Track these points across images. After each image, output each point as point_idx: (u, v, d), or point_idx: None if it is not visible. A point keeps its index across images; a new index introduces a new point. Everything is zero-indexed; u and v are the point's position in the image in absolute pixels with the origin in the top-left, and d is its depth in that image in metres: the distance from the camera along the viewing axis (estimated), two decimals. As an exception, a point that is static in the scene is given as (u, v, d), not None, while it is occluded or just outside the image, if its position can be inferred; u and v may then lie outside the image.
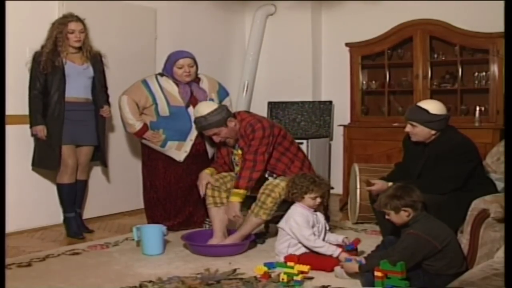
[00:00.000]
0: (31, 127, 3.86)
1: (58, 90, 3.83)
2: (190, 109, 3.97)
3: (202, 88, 4.05)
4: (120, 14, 4.70)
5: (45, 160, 3.94)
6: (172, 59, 3.99)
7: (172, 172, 4.07)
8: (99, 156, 4.20)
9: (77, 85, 3.91)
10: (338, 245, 3.25)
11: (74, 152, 3.98)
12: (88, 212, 4.46)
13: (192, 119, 3.93)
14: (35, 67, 3.82)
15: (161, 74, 4.06)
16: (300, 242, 3.26)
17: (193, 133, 4.00)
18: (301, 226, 3.24)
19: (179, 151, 4.02)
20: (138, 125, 3.95)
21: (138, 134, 3.99)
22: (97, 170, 4.58)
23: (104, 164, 4.35)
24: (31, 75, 3.85)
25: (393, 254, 2.72)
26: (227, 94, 4.23)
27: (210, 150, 4.11)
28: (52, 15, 4.22)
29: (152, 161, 4.10)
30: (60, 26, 3.86)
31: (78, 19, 3.90)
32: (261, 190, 3.51)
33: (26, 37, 4.08)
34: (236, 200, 3.50)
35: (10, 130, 3.83)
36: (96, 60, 4.04)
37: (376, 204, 2.99)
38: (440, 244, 2.70)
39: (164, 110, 3.97)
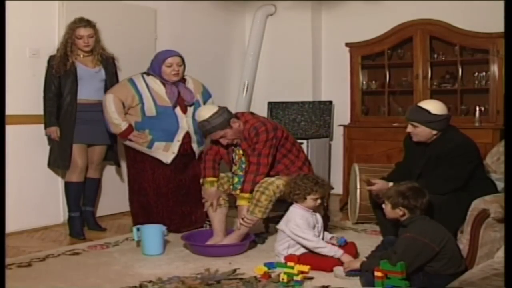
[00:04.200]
0: (45, 128, 3.97)
1: (70, 93, 3.92)
2: (177, 109, 3.95)
3: (188, 88, 4.04)
4: (120, 14, 4.70)
5: (57, 160, 4.03)
6: (160, 58, 3.95)
7: (160, 174, 4.01)
8: (112, 155, 4.24)
9: (89, 87, 3.99)
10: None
11: (85, 152, 4.04)
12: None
13: (179, 120, 3.94)
14: (49, 71, 3.92)
15: (147, 73, 4.01)
16: (299, 243, 3.25)
17: (180, 134, 3.97)
18: (302, 228, 3.23)
19: (166, 152, 3.97)
20: (123, 125, 3.90)
21: (123, 134, 3.94)
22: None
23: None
24: (46, 78, 3.94)
25: (393, 258, 2.71)
26: (209, 95, 4.21)
27: (197, 150, 4.11)
28: (52, 15, 4.25)
29: (139, 164, 4.04)
30: (70, 31, 3.94)
31: (88, 25, 3.94)
32: (255, 188, 3.50)
33: (26, 37, 4.09)
34: (243, 203, 3.49)
35: (10, 130, 3.82)
36: (109, 63, 4.11)
37: (384, 192, 3.03)
38: (437, 246, 2.69)
39: (151, 110, 3.92)
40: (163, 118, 3.94)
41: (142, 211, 4.08)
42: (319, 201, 3.33)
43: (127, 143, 4.01)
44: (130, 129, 3.92)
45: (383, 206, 2.97)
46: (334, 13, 5.72)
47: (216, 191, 3.67)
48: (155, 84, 3.96)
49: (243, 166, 3.62)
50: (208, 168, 3.70)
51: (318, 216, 3.40)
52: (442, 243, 2.71)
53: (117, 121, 3.89)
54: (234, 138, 3.61)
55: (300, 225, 3.24)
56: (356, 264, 2.91)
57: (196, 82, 4.17)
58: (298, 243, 3.25)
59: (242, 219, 3.49)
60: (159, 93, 3.95)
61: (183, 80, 4.05)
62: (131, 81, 3.97)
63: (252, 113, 3.79)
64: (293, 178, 3.40)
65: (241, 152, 3.66)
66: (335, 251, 3.16)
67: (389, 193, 2.93)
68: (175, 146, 3.98)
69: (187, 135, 3.99)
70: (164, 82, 3.96)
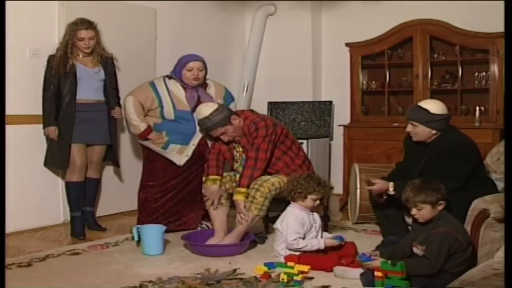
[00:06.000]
0: (44, 127, 3.96)
1: (70, 93, 3.92)
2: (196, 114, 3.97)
3: (208, 94, 4.04)
4: (120, 14, 4.70)
5: (55, 160, 4.03)
6: (182, 62, 3.96)
7: (172, 173, 4.03)
8: (111, 156, 4.24)
9: (88, 87, 4.00)
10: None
11: (84, 152, 4.04)
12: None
13: (197, 124, 3.93)
14: (49, 70, 3.92)
15: (169, 77, 4.03)
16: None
17: (196, 138, 3.99)
18: (290, 229, 3.23)
19: (180, 155, 3.99)
20: (142, 126, 3.93)
21: (142, 135, 3.96)
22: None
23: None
24: (45, 78, 3.93)
25: (427, 253, 2.66)
26: (232, 99, 4.23)
27: None
28: (52, 15, 4.25)
29: (151, 162, 4.07)
30: (70, 33, 3.93)
31: (89, 27, 3.94)
32: (251, 186, 3.51)
33: (26, 37, 4.09)
34: (239, 198, 3.52)
35: (10, 130, 3.83)
36: (108, 63, 4.11)
37: (410, 200, 2.79)
38: (465, 242, 2.69)
39: (170, 113, 3.94)
40: (181, 122, 3.96)
41: (146, 208, 4.06)
42: (318, 202, 3.33)
43: (144, 142, 4.03)
44: (148, 130, 3.95)
45: (414, 213, 2.77)
46: (334, 13, 5.72)
47: (218, 189, 3.67)
48: (176, 88, 3.97)
49: None
50: (211, 166, 3.71)
51: (316, 216, 3.40)
52: (468, 241, 2.72)
53: (136, 122, 3.92)
54: (235, 135, 3.64)
55: (290, 225, 3.25)
56: (377, 263, 2.76)
57: (218, 87, 4.16)
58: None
59: (239, 213, 3.51)
60: (179, 97, 3.96)
61: (204, 85, 4.05)
62: (152, 84, 3.99)
63: (252, 111, 3.82)
64: (296, 177, 3.40)
65: (241, 149, 3.68)
66: (317, 243, 3.21)
67: (420, 197, 2.74)
68: (189, 150, 3.99)
69: (203, 139, 4.00)
70: (184, 86, 3.96)
